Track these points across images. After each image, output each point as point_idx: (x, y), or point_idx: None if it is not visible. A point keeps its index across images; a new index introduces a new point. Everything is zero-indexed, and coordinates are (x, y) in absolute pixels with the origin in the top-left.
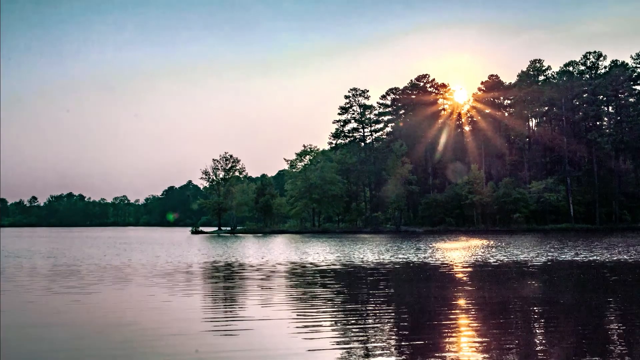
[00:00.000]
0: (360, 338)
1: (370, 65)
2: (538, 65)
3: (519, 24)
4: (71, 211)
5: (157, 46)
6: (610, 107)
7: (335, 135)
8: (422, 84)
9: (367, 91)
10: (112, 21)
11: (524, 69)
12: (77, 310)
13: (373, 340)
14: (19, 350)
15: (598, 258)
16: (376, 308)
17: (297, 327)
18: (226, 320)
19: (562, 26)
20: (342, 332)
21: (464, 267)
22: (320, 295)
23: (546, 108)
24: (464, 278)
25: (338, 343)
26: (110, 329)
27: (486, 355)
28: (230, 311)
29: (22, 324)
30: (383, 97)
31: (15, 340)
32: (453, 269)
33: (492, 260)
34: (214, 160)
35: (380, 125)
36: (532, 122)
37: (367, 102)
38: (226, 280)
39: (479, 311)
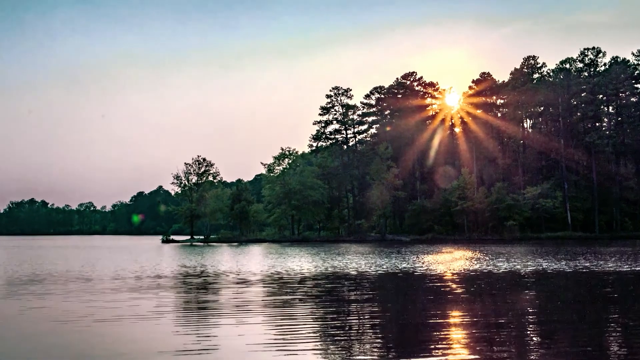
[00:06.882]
0: (342, 353)
1: (353, 62)
2: (532, 62)
3: (508, 14)
4: (33, 218)
5: (124, 40)
6: (610, 108)
7: (316, 137)
8: (408, 82)
9: (350, 90)
10: (76, 13)
11: (517, 67)
12: (34, 325)
13: (354, 356)
14: None
15: (597, 269)
16: (357, 323)
17: (272, 344)
18: (198, 337)
19: (554, 16)
20: (322, 348)
21: (450, 279)
22: (298, 310)
23: (542, 108)
24: (450, 291)
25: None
26: (76, 343)
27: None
28: (203, 327)
29: None
30: (367, 96)
31: None
32: (439, 280)
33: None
34: (186, 164)
35: (364, 127)
36: (527, 124)
37: (350, 102)
38: (198, 294)
39: (466, 326)
